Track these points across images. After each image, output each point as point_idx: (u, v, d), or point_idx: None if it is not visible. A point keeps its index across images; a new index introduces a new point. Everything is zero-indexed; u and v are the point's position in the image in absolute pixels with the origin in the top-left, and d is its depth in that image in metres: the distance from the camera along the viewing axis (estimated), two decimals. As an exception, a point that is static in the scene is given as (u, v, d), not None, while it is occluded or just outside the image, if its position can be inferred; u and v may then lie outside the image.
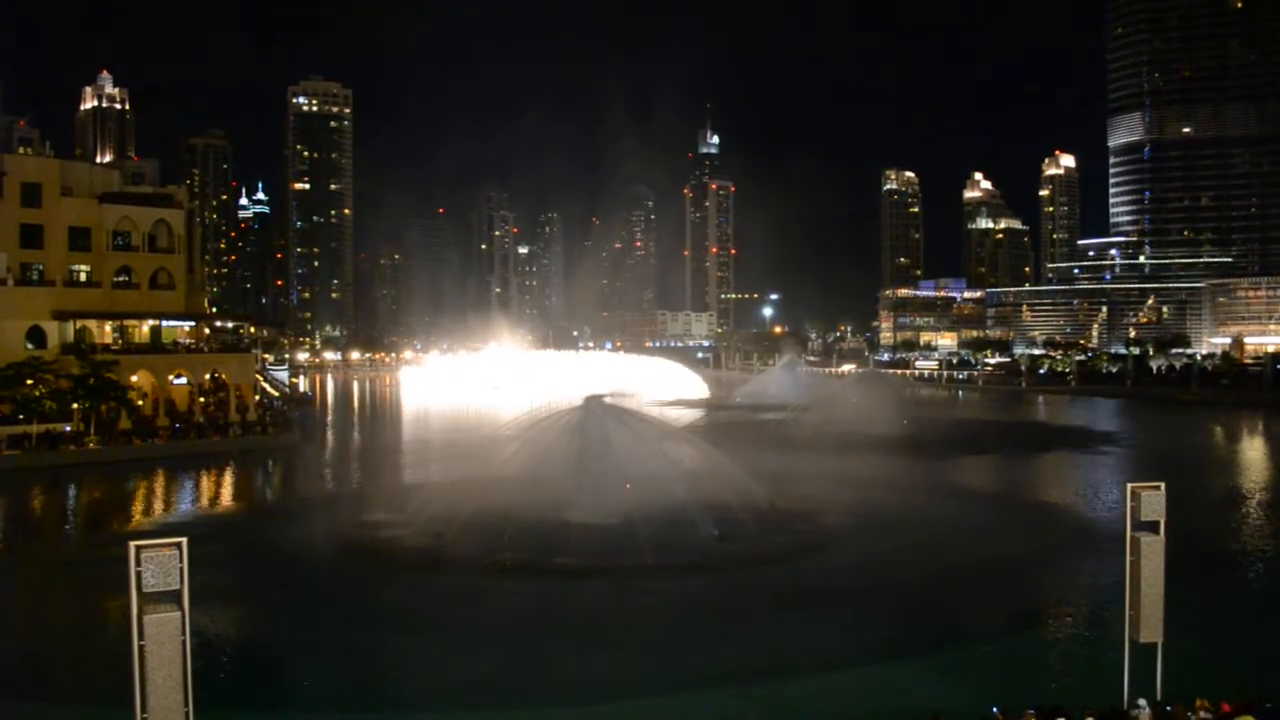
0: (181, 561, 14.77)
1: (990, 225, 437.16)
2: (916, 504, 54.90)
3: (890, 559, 42.77)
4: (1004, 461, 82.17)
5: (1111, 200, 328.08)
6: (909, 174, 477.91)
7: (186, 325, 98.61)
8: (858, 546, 44.94)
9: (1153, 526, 20.60)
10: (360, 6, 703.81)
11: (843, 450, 73.11)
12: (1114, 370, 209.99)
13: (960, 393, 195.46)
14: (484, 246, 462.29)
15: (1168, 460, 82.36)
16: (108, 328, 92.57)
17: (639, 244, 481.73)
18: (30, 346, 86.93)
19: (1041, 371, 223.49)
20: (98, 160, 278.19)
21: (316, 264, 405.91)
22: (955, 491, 63.76)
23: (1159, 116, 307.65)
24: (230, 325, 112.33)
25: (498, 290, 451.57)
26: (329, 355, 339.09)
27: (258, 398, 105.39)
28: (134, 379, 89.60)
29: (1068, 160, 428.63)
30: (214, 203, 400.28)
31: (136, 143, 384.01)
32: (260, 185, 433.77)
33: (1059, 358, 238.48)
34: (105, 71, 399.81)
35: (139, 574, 14.59)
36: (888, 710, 25.46)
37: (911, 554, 43.15)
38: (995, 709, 20.95)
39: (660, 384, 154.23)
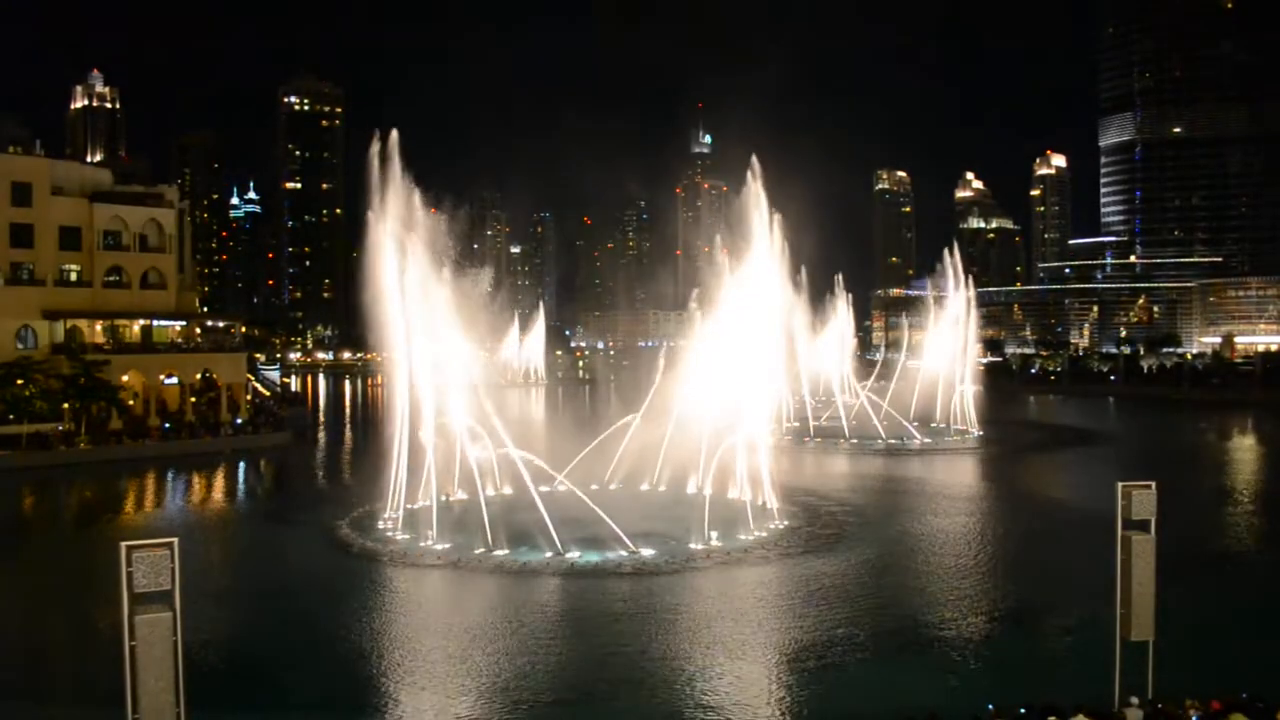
0: (173, 562, 14.74)
1: (982, 225, 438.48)
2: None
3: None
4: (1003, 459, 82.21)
5: (1103, 200, 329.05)
6: (901, 174, 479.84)
7: (178, 325, 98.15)
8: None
9: (1143, 525, 20.65)
10: (353, 5, 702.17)
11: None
12: (1105, 369, 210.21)
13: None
14: (476, 246, 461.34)
15: (1159, 459, 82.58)
16: (98, 327, 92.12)
17: (631, 243, 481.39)
18: (20, 346, 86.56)
19: (1032, 371, 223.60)
20: (88, 159, 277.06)
21: (308, 263, 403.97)
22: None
23: (1150, 116, 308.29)
24: (222, 325, 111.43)
25: (489, 290, 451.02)
26: (321, 355, 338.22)
27: (249, 397, 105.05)
28: (125, 379, 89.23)
29: (1059, 160, 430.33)
30: (205, 202, 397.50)
31: (127, 141, 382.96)
32: (252, 184, 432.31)
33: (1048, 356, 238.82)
34: (96, 70, 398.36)
35: (130, 574, 14.54)
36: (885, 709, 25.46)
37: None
38: (990, 706, 20.98)
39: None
